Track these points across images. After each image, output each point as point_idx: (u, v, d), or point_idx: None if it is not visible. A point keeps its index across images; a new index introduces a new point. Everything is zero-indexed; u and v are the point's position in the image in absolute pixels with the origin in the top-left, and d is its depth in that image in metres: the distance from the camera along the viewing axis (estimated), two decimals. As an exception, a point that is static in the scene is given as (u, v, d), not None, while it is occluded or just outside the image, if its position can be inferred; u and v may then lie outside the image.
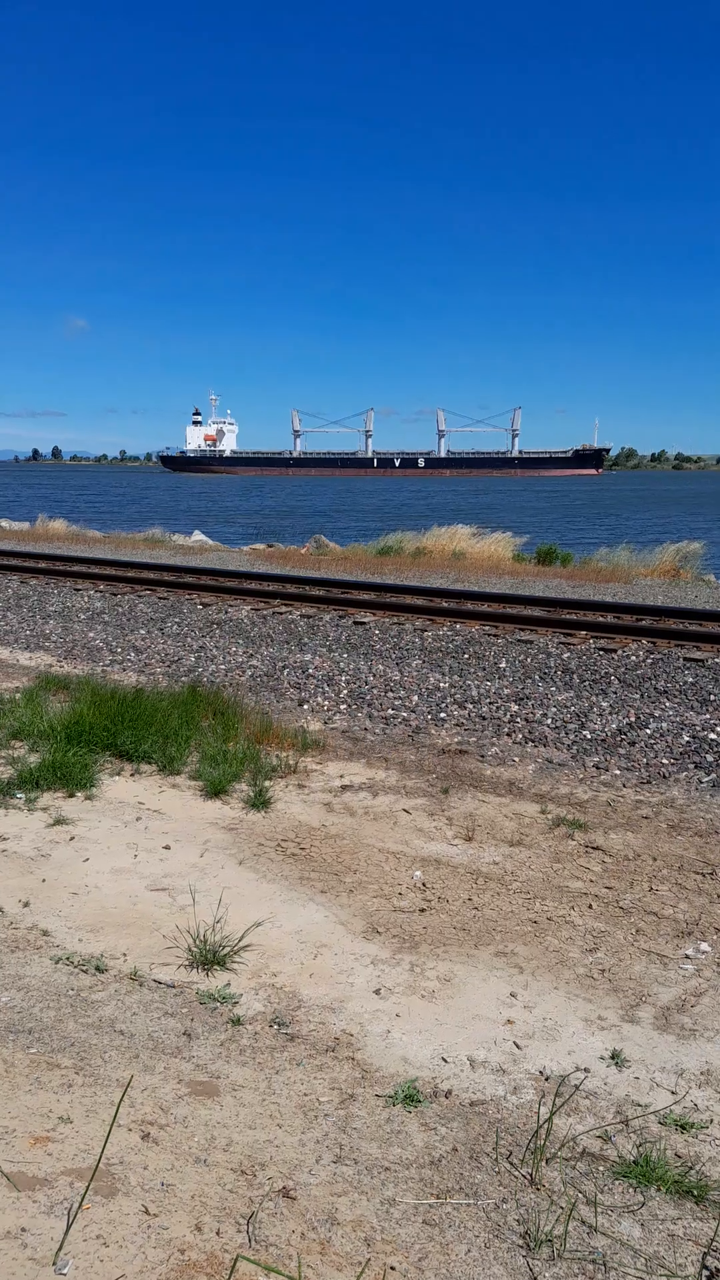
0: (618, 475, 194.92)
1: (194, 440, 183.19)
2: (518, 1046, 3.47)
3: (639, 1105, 3.15)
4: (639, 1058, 3.42)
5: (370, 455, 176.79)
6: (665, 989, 3.94)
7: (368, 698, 8.54)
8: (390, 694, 8.62)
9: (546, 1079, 3.27)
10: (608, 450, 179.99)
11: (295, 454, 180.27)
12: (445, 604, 12.93)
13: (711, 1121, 3.08)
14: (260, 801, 5.87)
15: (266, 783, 6.17)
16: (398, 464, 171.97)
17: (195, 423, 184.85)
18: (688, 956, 4.22)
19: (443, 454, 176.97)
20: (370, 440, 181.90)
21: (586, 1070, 3.34)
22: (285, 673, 9.42)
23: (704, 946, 4.31)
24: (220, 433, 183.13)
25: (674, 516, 56.69)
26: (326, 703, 8.48)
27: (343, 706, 8.37)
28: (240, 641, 10.92)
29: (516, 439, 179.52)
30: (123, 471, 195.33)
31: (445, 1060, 3.37)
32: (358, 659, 9.98)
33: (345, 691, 8.73)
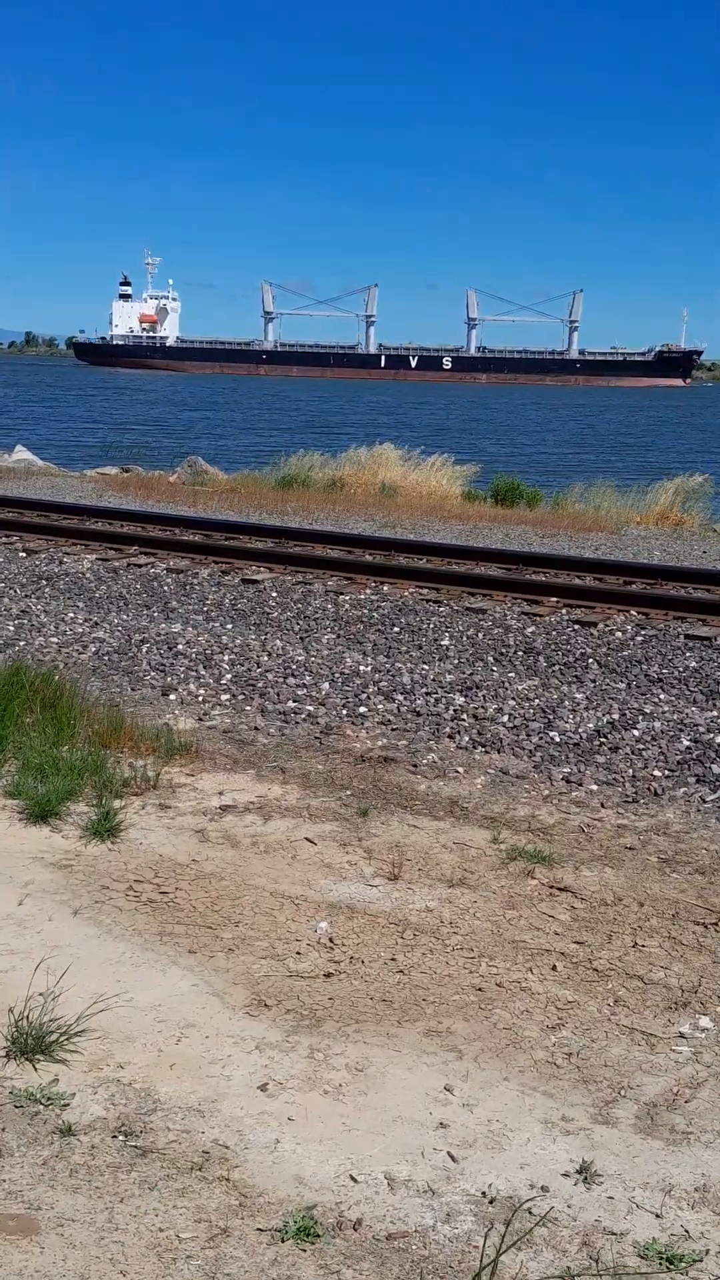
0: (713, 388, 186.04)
1: (124, 322, 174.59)
2: (453, 1159, 3.52)
3: (613, 1234, 3.22)
4: (615, 1171, 3.51)
5: (375, 351, 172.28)
6: (651, 1079, 4.03)
7: (260, 685, 8.51)
8: (291, 680, 8.61)
9: (491, 1202, 3.33)
10: (699, 353, 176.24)
11: (269, 345, 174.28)
12: (369, 557, 12.95)
13: (708, 1252, 3.18)
14: (106, 828, 5.81)
15: (116, 802, 6.11)
16: (414, 363, 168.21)
17: (124, 297, 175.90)
18: (682, 1035, 4.33)
19: (473, 351, 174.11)
20: (373, 330, 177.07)
21: (545, 1189, 3.40)
22: (145, 649, 9.32)
23: (704, 1022, 4.43)
24: (162, 311, 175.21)
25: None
26: (202, 691, 8.43)
27: (225, 697, 8.33)
28: (81, 604, 10.74)
29: (575, 333, 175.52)
30: (19, 365, 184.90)
31: (354, 1179, 3.39)
32: (247, 631, 9.92)
33: (228, 676, 8.69)
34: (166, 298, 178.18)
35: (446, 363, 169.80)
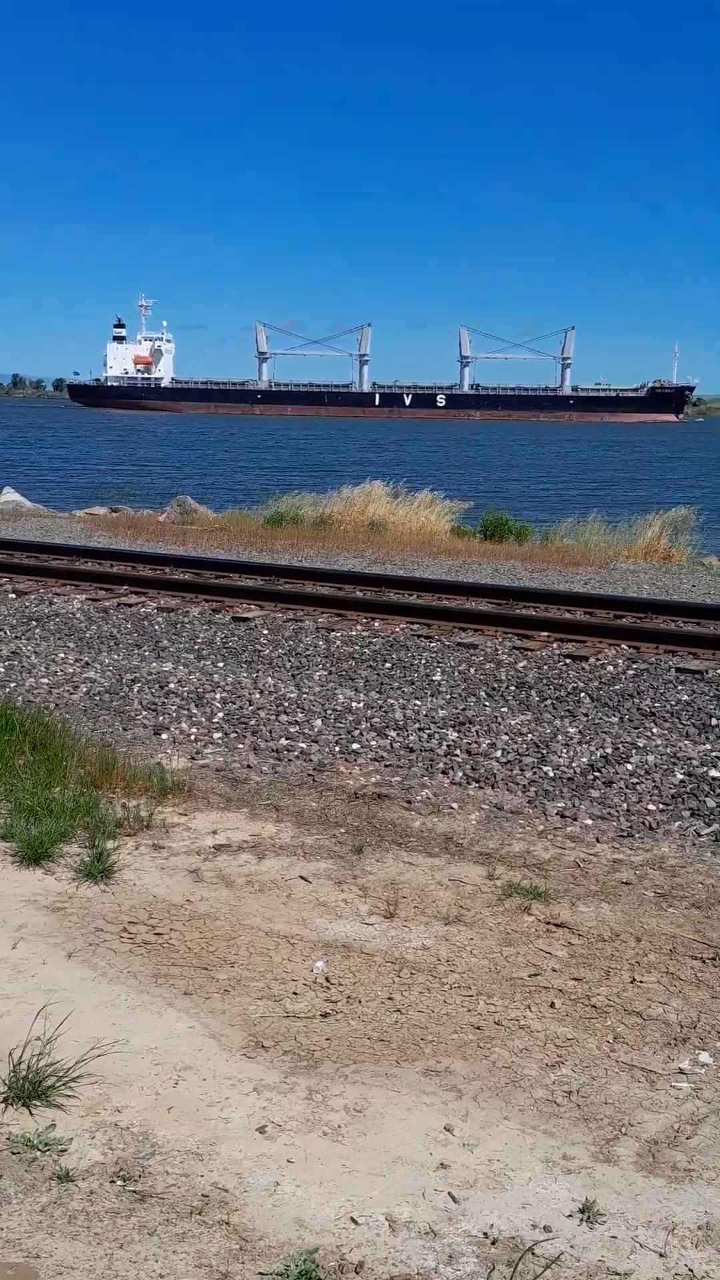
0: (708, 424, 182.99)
1: (118, 363, 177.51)
2: (454, 1199, 3.50)
3: (617, 1274, 3.21)
4: (617, 1209, 3.49)
5: (369, 389, 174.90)
6: (652, 1116, 4.02)
7: (252, 723, 8.52)
8: (284, 717, 8.61)
9: (493, 1243, 3.31)
10: (691, 388, 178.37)
11: (263, 385, 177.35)
12: (360, 593, 13.00)
13: (712, 1291, 3.16)
14: (99, 870, 5.80)
15: (109, 843, 6.10)
16: (408, 401, 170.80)
17: (118, 338, 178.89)
18: (682, 1071, 4.32)
19: (467, 388, 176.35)
20: (367, 369, 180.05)
21: (547, 1229, 3.38)
22: (136, 688, 9.33)
23: (704, 1057, 4.42)
24: (157, 352, 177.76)
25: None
26: (194, 730, 8.43)
27: (217, 735, 8.33)
28: (71, 644, 10.75)
29: (568, 370, 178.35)
30: (8, 407, 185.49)
31: (355, 1221, 3.37)
32: (238, 669, 9.93)
33: (220, 714, 8.70)
34: (161, 339, 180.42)
35: (440, 400, 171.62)
